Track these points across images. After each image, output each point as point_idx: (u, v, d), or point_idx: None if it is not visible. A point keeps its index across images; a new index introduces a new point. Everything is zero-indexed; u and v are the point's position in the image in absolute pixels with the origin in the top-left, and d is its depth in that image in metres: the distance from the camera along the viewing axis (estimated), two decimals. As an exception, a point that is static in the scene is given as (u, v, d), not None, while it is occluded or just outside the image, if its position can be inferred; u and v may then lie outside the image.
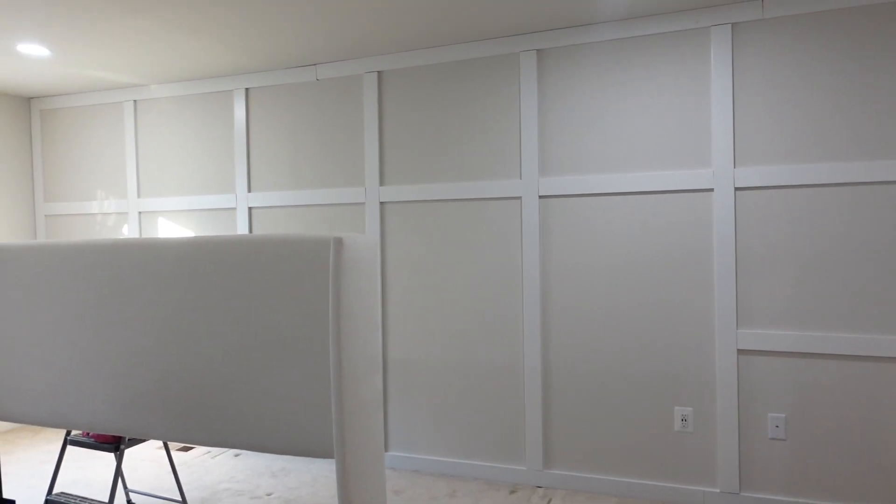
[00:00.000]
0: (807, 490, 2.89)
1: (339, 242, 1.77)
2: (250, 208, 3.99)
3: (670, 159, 3.09)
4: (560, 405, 3.31)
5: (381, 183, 3.66)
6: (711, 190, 3.02)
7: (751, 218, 2.97)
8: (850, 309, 2.82)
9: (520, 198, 3.37)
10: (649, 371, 3.14)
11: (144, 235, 4.32)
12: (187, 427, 2.03)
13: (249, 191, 3.99)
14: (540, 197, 3.33)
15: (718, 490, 3.02)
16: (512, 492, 3.29)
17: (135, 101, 4.31)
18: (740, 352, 2.98)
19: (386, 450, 3.68)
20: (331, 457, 1.80)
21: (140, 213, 4.31)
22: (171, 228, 4.23)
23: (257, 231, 4.00)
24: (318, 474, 3.59)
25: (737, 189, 2.98)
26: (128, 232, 4.37)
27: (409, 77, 3.59)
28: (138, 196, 4.32)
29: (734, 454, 2.99)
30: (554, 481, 3.31)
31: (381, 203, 3.67)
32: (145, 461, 3.84)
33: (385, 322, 3.67)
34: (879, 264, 2.78)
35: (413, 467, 3.61)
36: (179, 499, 3.13)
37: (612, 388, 3.21)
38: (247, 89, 3.99)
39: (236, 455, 3.92)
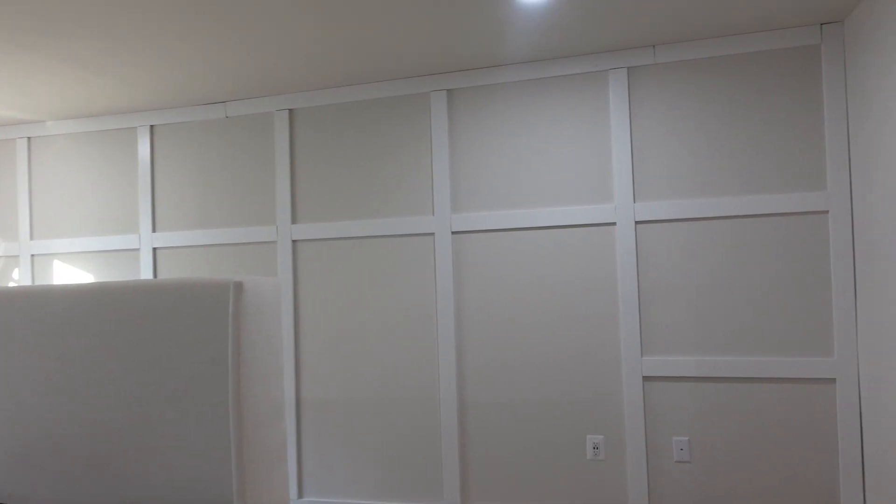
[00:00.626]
0: (712, 510, 3.01)
1: (238, 287, 1.73)
2: (155, 249, 3.83)
3: (576, 195, 3.22)
4: (477, 439, 3.32)
5: (294, 221, 3.61)
6: (614, 224, 3.16)
7: (651, 250, 3.12)
8: (743, 334, 3.00)
9: (433, 234, 3.40)
10: (562, 401, 3.21)
11: (37, 279, 4.05)
12: (76, 487, 1.89)
13: (154, 230, 3.84)
14: (453, 233, 3.37)
15: (631, 515, 3.10)
16: (432, 531, 3.24)
17: (28, 137, 4.08)
18: (645, 378, 3.10)
19: (300, 496, 3.56)
20: (232, 511, 1.72)
21: (33, 255, 4.05)
22: (67, 271, 3.99)
23: (162, 273, 3.84)
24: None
25: (637, 223, 3.13)
26: (18, 276, 4.09)
27: (321, 115, 3.59)
28: (31, 238, 4.06)
29: (643, 479, 3.08)
30: (473, 517, 3.30)
31: (294, 241, 3.61)
32: (36, 525, 3.53)
33: (298, 362, 3.59)
34: (767, 291, 2.98)
35: (331, 512, 3.50)
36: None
37: (527, 419, 3.25)
38: (152, 126, 3.86)
39: (140, 511, 3.68)
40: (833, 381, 2.89)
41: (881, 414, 2.63)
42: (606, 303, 3.17)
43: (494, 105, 3.34)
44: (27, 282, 4.08)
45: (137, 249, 3.86)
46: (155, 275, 3.86)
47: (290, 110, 3.63)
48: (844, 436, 2.86)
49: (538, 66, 3.26)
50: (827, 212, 2.92)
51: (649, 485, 3.09)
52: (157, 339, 1.83)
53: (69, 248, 3.97)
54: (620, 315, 3.13)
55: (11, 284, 4.06)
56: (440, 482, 3.36)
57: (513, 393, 3.27)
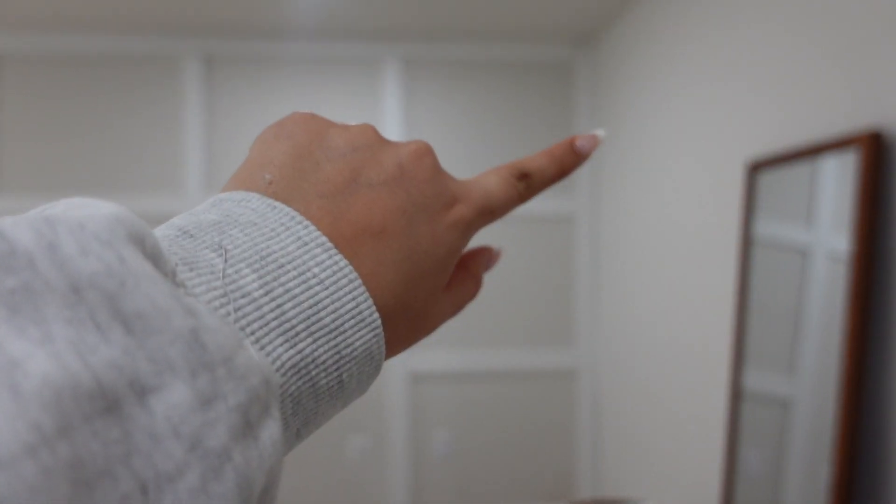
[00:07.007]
0: (471, 502, 3.09)
1: None
2: None
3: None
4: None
5: (-7, 195, 2.86)
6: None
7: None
8: (504, 327, 3.13)
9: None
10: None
11: None
12: None
13: None
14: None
15: (393, 516, 3.04)
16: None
17: None
18: (413, 375, 3.07)
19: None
20: None
21: None
22: None
23: None
24: None
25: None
26: None
27: (36, 66, 2.90)
28: None
29: (405, 480, 3.04)
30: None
31: (-8, 221, 2.86)
32: None
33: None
34: (528, 284, 3.15)
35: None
36: None
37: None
38: None
39: None
40: (575, 371, 3.17)
41: (623, 402, 2.94)
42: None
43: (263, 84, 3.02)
44: None
45: None
46: None
47: (-8, 56, 2.87)
48: (584, 424, 3.15)
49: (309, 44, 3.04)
50: (574, 214, 3.18)
51: (413, 485, 3.06)
52: None
53: None
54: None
55: None
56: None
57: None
